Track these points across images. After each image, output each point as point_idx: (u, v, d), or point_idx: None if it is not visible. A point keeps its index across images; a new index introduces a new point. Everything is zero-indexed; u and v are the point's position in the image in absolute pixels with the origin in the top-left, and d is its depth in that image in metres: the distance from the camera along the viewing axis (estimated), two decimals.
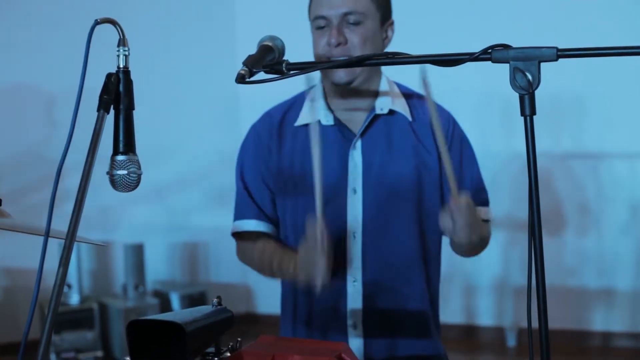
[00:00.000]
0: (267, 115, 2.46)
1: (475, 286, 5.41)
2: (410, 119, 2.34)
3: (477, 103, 4.96)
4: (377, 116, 2.33)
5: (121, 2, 4.94)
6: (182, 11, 5.40)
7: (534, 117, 1.51)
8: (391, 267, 2.33)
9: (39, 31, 4.99)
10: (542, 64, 1.53)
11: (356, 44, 2.21)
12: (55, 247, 2.84)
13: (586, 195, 4.96)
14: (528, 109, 1.53)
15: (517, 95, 1.52)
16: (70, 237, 1.30)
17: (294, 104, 2.43)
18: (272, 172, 2.40)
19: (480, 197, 2.36)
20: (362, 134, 2.32)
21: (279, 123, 2.42)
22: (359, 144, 2.32)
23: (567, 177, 4.98)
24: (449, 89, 3.93)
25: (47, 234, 1.35)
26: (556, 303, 4.57)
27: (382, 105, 2.33)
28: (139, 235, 5.25)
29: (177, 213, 5.54)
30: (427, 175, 2.32)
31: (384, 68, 2.39)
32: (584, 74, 4.70)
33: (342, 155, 2.32)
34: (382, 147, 2.32)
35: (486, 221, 2.36)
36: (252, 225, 2.41)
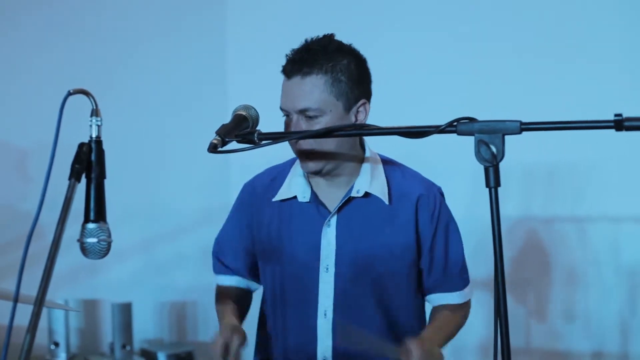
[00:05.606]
0: (250, 186, 2.53)
1: (461, 348, 5.39)
2: (387, 202, 2.35)
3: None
4: (352, 197, 2.35)
5: (114, 65, 4.99)
6: (175, 71, 5.44)
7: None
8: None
9: (12, 86, 4.97)
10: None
11: None
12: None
13: (573, 258, 4.96)
14: (493, 180, 1.56)
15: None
16: (39, 304, 1.31)
17: (279, 175, 2.47)
18: (252, 238, 2.48)
19: (463, 277, 2.46)
20: (337, 213, 2.34)
21: (259, 194, 2.48)
22: (333, 222, 2.34)
23: (554, 240, 4.99)
24: (435, 156, 3.98)
25: (15, 301, 1.37)
26: None
27: (359, 187, 2.34)
28: (127, 294, 5.24)
29: (166, 272, 5.53)
30: (401, 256, 2.36)
31: (369, 139, 2.42)
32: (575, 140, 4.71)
33: (316, 232, 2.35)
34: (356, 227, 2.34)
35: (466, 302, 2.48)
36: (225, 280, 2.56)
